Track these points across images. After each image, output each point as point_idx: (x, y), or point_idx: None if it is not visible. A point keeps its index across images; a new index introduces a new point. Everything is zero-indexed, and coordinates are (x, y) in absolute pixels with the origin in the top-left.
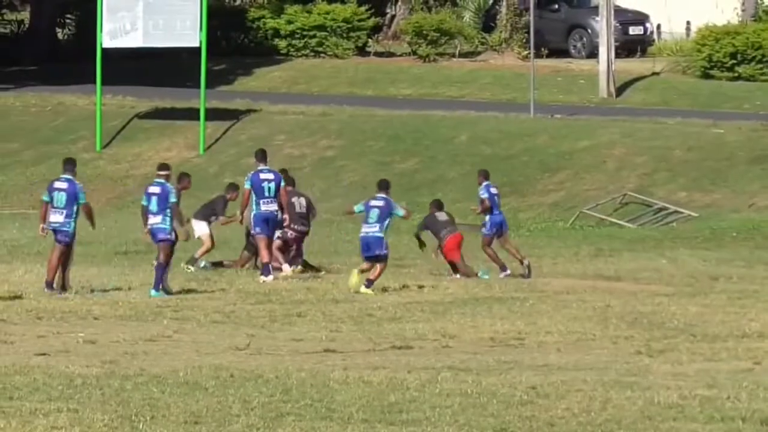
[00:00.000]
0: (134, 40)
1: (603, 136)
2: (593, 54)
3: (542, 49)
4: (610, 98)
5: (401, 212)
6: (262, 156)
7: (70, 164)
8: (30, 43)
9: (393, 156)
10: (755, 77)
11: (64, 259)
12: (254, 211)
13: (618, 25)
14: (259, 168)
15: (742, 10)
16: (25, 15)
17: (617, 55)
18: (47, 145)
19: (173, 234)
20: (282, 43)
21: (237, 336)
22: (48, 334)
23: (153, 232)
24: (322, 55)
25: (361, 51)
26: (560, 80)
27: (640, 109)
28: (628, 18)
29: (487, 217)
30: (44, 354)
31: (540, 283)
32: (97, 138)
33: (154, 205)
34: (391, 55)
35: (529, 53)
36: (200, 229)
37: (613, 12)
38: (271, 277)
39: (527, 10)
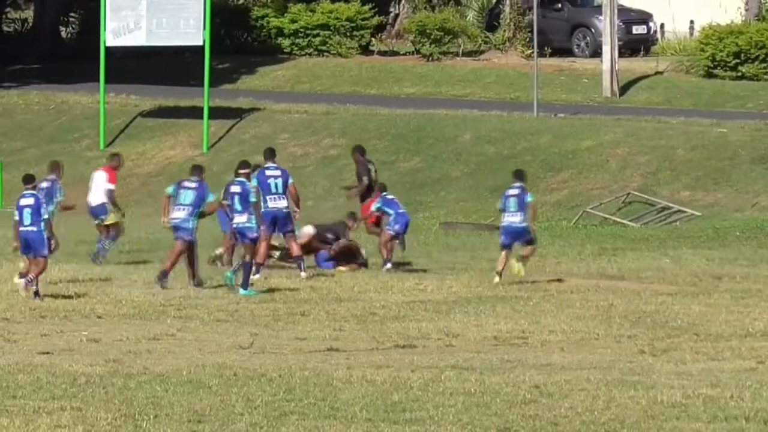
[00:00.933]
0: (137, 38)
1: (606, 135)
2: (597, 53)
3: (545, 48)
4: (614, 97)
5: (530, 198)
6: (270, 154)
7: (197, 171)
8: (33, 41)
9: (396, 155)
10: (758, 77)
11: (190, 255)
12: (261, 209)
13: (621, 24)
14: (266, 165)
15: (746, 10)
16: (28, 14)
17: (620, 54)
18: (50, 144)
19: (258, 232)
20: (285, 42)
21: (240, 335)
22: (51, 333)
23: (240, 232)
24: (326, 53)
25: (365, 50)
26: (564, 79)
27: (644, 108)
28: (631, 17)
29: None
30: (48, 353)
31: (543, 283)
32: (100, 136)
33: (237, 204)
34: (394, 54)
35: (533, 52)
36: None
37: (616, 11)
38: (258, 275)
39: (530, 9)
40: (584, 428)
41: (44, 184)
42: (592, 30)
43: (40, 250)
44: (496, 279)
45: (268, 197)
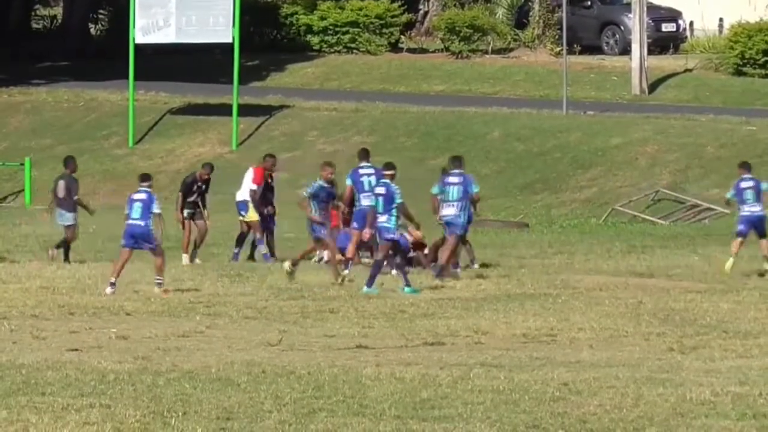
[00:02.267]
0: (167, 36)
1: (635, 132)
2: (626, 51)
3: (575, 46)
4: (643, 95)
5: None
6: (364, 154)
7: (458, 161)
8: (63, 38)
9: (425, 152)
10: None
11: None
12: (356, 207)
13: (651, 21)
14: (360, 165)
15: None
16: (57, 11)
17: (650, 52)
18: (80, 141)
19: (397, 233)
20: (315, 39)
21: (269, 332)
22: (80, 330)
23: (379, 231)
24: (355, 51)
25: (394, 47)
26: (593, 77)
27: (673, 105)
28: (660, 15)
29: None
30: (76, 350)
31: (572, 280)
32: (129, 134)
33: (380, 205)
34: (423, 51)
35: (562, 50)
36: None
37: (645, 9)
38: (347, 271)
39: (560, 6)
40: (613, 426)
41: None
42: (622, 27)
43: (149, 243)
44: (729, 263)
45: (362, 195)
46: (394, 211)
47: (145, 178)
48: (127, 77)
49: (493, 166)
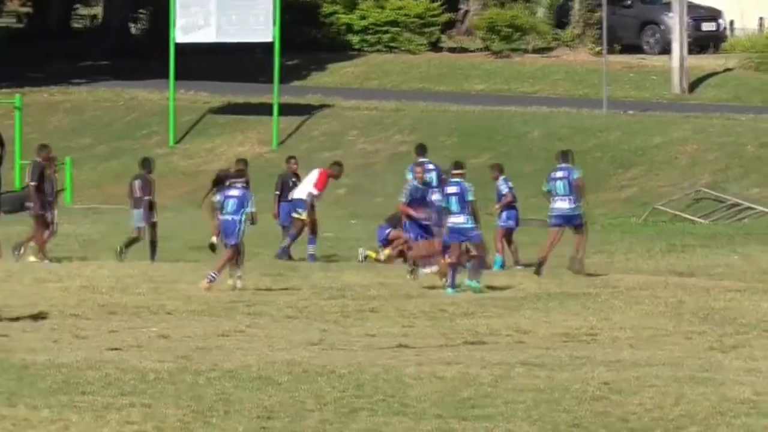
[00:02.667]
0: (207, 35)
1: (675, 132)
2: (666, 50)
3: (615, 45)
4: (683, 94)
5: None
6: (421, 150)
7: (565, 156)
8: (103, 38)
9: (466, 151)
10: None
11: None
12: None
13: (691, 21)
14: (419, 161)
15: None
16: (98, 10)
17: (690, 51)
18: (120, 141)
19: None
20: (355, 39)
21: (310, 331)
22: (120, 329)
23: (461, 232)
24: (395, 50)
25: (434, 46)
26: (633, 76)
27: (713, 105)
28: (701, 14)
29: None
30: (117, 349)
31: (613, 279)
32: (170, 133)
33: (454, 205)
34: (463, 50)
35: (602, 49)
36: None
37: (686, 8)
38: (428, 270)
39: (600, 6)
40: (654, 425)
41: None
42: (662, 27)
43: (232, 239)
44: None
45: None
46: (469, 210)
47: (240, 174)
48: (167, 77)
49: (534, 165)
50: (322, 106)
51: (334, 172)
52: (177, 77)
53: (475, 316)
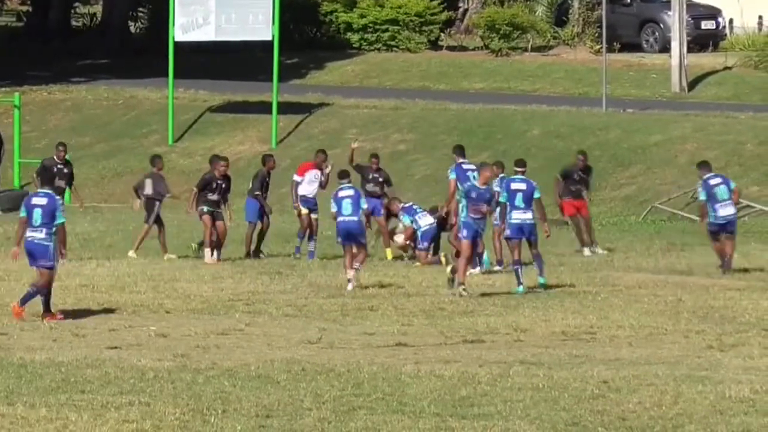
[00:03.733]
0: (207, 33)
1: (675, 130)
2: (665, 48)
3: (614, 44)
4: (683, 93)
5: None
6: (460, 151)
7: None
8: (102, 36)
9: (465, 150)
10: None
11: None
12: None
13: (690, 19)
14: (460, 161)
15: None
16: (97, 8)
17: (689, 50)
18: (119, 139)
19: None
20: (354, 37)
21: (309, 330)
22: (120, 328)
23: (524, 229)
24: (395, 49)
25: (434, 45)
26: (632, 75)
27: (712, 103)
28: (700, 12)
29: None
30: (116, 347)
31: (612, 277)
32: (169, 132)
33: (520, 201)
34: (463, 49)
35: (602, 48)
36: None
37: (685, 6)
38: (478, 269)
39: (599, 4)
40: (652, 423)
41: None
42: (661, 25)
43: (361, 240)
44: None
45: None
46: (531, 207)
47: (344, 174)
48: (166, 75)
49: (533, 163)
50: (321, 105)
51: (317, 160)
52: (176, 76)
53: (473, 314)
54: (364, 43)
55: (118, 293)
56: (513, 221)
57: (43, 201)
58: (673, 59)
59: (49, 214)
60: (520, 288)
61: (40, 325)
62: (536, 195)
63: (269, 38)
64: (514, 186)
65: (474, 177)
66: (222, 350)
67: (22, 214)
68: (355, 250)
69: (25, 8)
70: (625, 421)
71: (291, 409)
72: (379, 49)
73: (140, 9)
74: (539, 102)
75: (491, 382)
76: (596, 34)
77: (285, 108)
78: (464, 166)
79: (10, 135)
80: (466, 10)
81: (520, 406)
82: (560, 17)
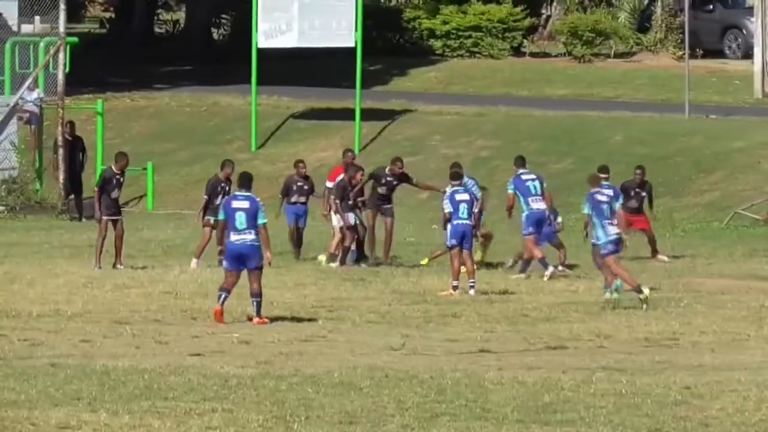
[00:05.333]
0: (289, 40)
1: (758, 136)
2: (748, 54)
3: (697, 50)
4: (765, 99)
5: None
6: (521, 162)
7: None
8: (185, 43)
9: (548, 156)
10: None
11: None
12: (525, 212)
13: None
14: (520, 172)
15: None
16: (180, 15)
17: None
18: (202, 146)
19: None
20: (437, 44)
21: (392, 336)
22: (202, 335)
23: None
24: (478, 55)
25: (517, 51)
26: (715, 81)
27: None
28: None
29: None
30: (199, 354)
31: (695, 283)
32: (252, 138)
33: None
34: (546, 55)
35: (684, 54)
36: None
37: None
38: (550, 269)
39: (682, 10)
40: (735, 429)
41: None
42: (744, 31)
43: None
44: None
45: (530, 200)
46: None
47: (456, 176)
48: (249, 81)
49: (615, 169)
50: (404, 111)
51: (346, 160)
52: (259, 82)
53: (556, 321)
54: (447, 50)
55: (201, 300)
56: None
57: (245, 204)
58: (756, 65)
59: (253, 216)
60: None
61: (124, 332)
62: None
63: (352, 45)
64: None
65: (535, 188)
66: (305, 357)
67: (221, 217)
68: (464, 254)
69: (107, 15)
70: (708, 427)
71: (374, 415)
72: (462, 56)
73: (223, 15)
74: (622, 108)
75: (574, 389)
76: (679, 41)
77: (368, 114)
78: (523, 177)
79: (93, 142)
80: (548, 17)
81: (603, 413)
82: (643, 23)
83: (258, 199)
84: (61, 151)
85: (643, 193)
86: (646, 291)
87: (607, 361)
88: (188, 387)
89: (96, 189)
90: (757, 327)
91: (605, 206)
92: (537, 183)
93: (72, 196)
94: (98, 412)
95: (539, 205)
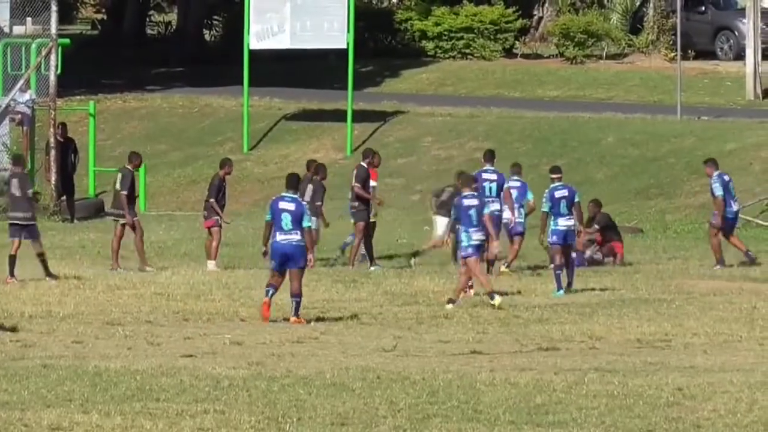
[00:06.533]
0: (281, 41)
1: (750, 138)
2: (740, 56)
3: (689, 51)
4: (757, 100)
5: None
6: (489, 157)
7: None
8: (177, 44)
9: (540, 158)
10: None
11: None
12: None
13: (765, 27)
14: (485, 168)
15: None
16: (172, 17)
17: (764, 57)
18: (194, 147)
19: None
20: (429, 45)
21: (384, 338)
22: (195, 336)
23: (567, 236)
24: (470, 56)
25: (509, 53)
26: (707, 82)
27: None
28: None
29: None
30: (191, 356)
31: (687, 285)
32: (244, 140)
33: (564, 209)
34: (538, 56)
35: (676, 55)
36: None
37: (760, 14)
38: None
39: (674, 12)
40: (727, 431)
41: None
42: (736, 33)
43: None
44: None
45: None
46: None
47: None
48: (241, 83)
49: (608, 171)
50: (396, 113)
51: (374, 162)
52: (251, 84)
53: (548, 322)
54: (439, 51)
55: (193, 301)
56: (558, 228)
57: (291, 206)
58: (748, 67)
59: (297, 219)
60: (559, 293)
61: (116, 333)
62: (576, 199)
63: (344, 46)
64: (558, 194)
65: (490, 189)
66: (297, 358)
67: (268, 217)
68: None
69: (99, 16)
70: (700, 428)
71: (366, 417)
72: (454, 57)
73: (215, 17)
74: (614, 110)
75: (566, 390)
76: (671, 42)
77: (359, 116)
78: (483, 175)
79: (85, 143)
80: (540, 18)
81: (595, 414)
82: (635, 25)
83: (303, 202)
84: (53, 152)
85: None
86: (498, 299)
87: (599, 363)
88: (180, 388)
89: (124, 192)
90: (749, 328)
91: (472, 211)
92: (494, 185)
93: (64, 198)
94: (90, 414)
95: (493, 206)
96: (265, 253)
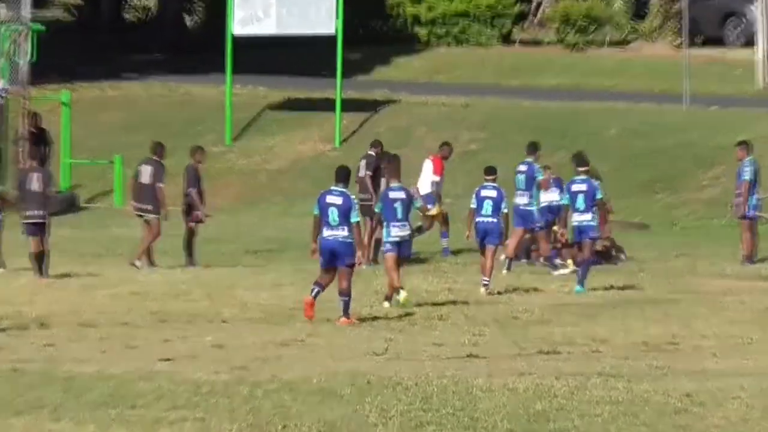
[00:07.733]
0: (267, 27)
1: (761, 128)
2: (750, 42)
3: (696, 38)
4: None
5: None
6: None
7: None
8: (157, 30)
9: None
10: None
11: None
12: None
13: None
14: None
15: None
16: (151, 1)
17: None
18: (174, 137)
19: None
20: (422, 31)
21: (375, 340)
22: (174, 338)
23: (584, 229)
24: (465, 43)
25: (506, 39)
26: (715, 70)
27: None
28: None
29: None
30: (169, 359)
31: (695, 284)
32: (226, 130)
33: (581, 203)
34: (537, 43)
35: (683, 42)
36: None
37: None
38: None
39: None
40: None
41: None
42: (745, 18)
43: (498, 238)
44: None
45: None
46: (595, 209)
47: (491, 171)
48: (223, 71)
49: (610, 164)
50: (387, 102)
51: (444, 153)
52: (234, 71)
53: (549, 324)
54: (433, 38)
55: (172, 301)
56: (575, 223)
57: (339, 200)
58: (758, 54)
59: (345, 213)
60: (578, 288)
61: (89, 334)
62: (599, 196)
63: (332, 32)
64: (575, 187)
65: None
66: (282, 362)
67: (315, 212)
68: (488, 251)
69: (75, 1)
70: None
71: (355, 425)
72: (448, 44)
73: (196, 2)
74: (617, 99)
75: (568, 396)
76: (677, 28)
77: (349, 105)
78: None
79: (58, 133)
80: (539, 3)
81: (599, 421)
82: (639, 10)
83: (352, 197)
84: (27, 144)
85: None
86: (403, 294)
87: (603, 367)
88: (158, 394)
89: (192, 189)
90: (762, 330)
91: (398, 204)
92: (523, 176)
93: None
94: (62, 421)
95: (520, 200)
96: (314, 251)
